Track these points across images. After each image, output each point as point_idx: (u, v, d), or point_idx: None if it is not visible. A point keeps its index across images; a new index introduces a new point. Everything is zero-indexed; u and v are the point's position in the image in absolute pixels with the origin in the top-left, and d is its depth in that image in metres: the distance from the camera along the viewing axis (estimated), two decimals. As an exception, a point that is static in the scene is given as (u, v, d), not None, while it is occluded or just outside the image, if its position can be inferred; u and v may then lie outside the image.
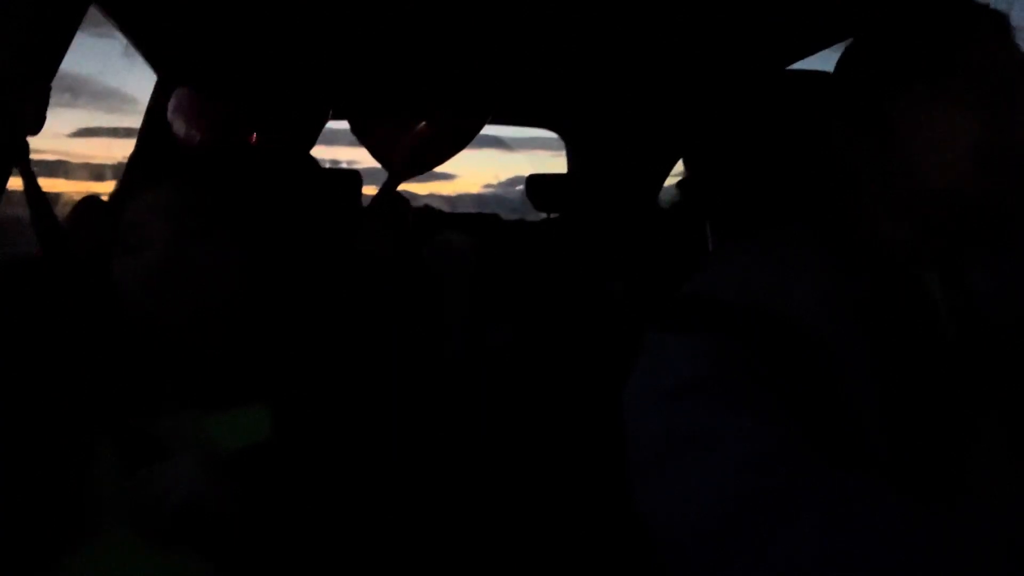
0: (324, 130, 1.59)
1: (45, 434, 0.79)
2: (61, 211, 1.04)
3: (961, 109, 0.60)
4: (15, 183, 1.02)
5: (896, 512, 0.46)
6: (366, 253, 1.37)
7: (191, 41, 1.48)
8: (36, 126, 1.00)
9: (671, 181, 2.35)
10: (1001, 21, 0.62)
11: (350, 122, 1.55)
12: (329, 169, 1.99)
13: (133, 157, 1.57)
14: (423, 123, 1.49)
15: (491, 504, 1.24)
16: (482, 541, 1.19)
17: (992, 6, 0.64)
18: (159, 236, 0.83)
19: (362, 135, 1.55)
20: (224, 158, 1.32)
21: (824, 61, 1.65)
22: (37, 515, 0.76)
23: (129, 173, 1.56)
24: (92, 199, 1.05)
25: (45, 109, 1.01)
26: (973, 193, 0.61)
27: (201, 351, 0.86)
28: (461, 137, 1.55)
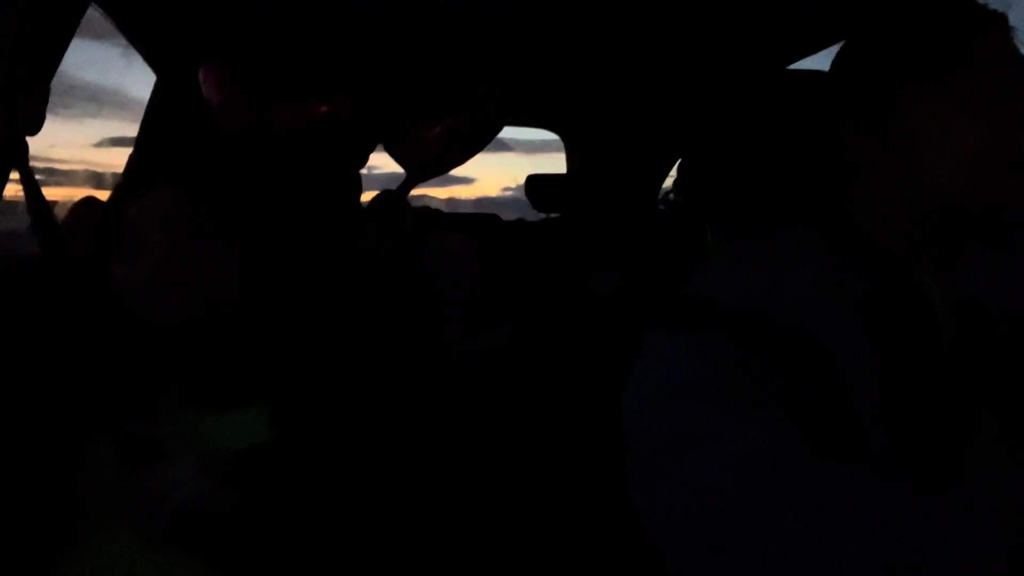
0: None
1: (44, 435, 0.79)
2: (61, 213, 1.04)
3: (960, 109, 0.60)
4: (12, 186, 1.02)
5: (894, 508, 0.46)
6: (365, 254, 1.36)
7: (190, 41, 1.48)
8: (35, 127, 1.00)
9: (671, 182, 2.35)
10: (1000, 21, 0.63)
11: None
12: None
13: (132, 159, 1.57)
14: (441, 124, 1.49)
15: (492, 504, 1.23)
16: (483, 541, 1.19)
17: (992, 6, 0.64)
18: (158, 238, 0.83)
19: (384, 135, 1.55)
20: (225, 159, 1.31)
21: (824, 61, 1.65)
22: (35, 516, 0.76)
23: (128, 175, 1.56)
24: (90, 200, 1.05)
25: (44, 109, 1.01)
26: (972, 193, 0.61)
27: (200, 353, 0.86)
28: (479, 139, 1.54)
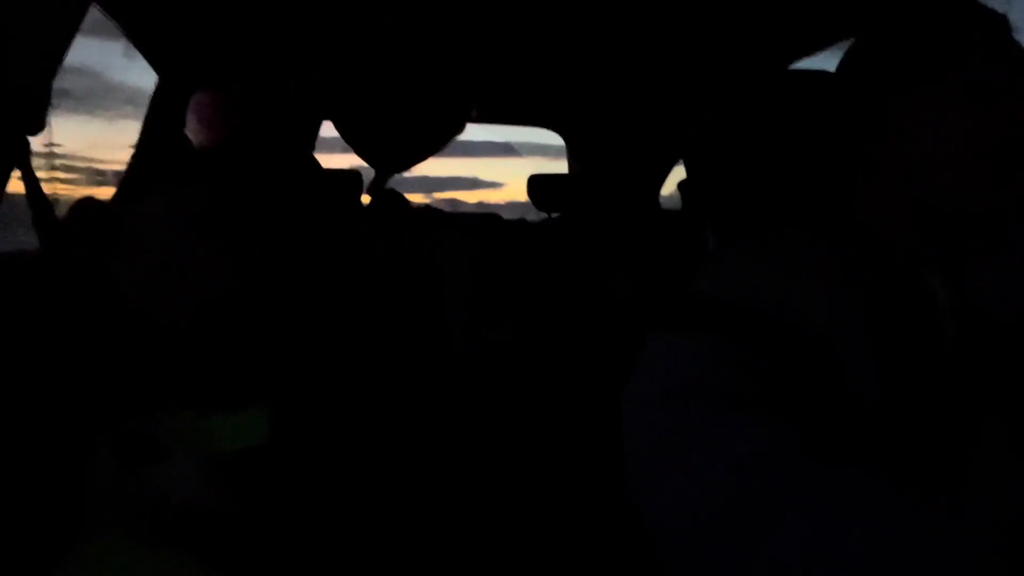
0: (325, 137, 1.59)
1: (44, 434, 0.79)
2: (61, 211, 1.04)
3: (959, 110, 0.60)
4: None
5: (894, 511, 0.46)
6: (366, 253, 1.37)
7: (191, 41, 1.49)
8: (37, 127, 1.00)
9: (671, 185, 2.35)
10: (1001, 22, 0.62)
11: (334, 121, 1.56)
12: (329, 170, 1.99)
13: (133, 159, 1.57)
14: (406, 121, 1.51)
15: (491, 504, 1.23)
16: (482, 541, 1.19)
17: (992, 7, 0.64)
18: (159, 238, 0.83)
19: (346, 133, 1.57)
20: (225, 159, 1.32)
21: (825, 62, 1.65)
22: (36, 516, 0.76)
23: (129, 175, 1.56)
24: (89, 200, 1.05)
25: (46, 109, 1.01)
26: (972, 194, 0.61)
27: (201, 352, 0.86)
28: (444, 134, 1.56)
